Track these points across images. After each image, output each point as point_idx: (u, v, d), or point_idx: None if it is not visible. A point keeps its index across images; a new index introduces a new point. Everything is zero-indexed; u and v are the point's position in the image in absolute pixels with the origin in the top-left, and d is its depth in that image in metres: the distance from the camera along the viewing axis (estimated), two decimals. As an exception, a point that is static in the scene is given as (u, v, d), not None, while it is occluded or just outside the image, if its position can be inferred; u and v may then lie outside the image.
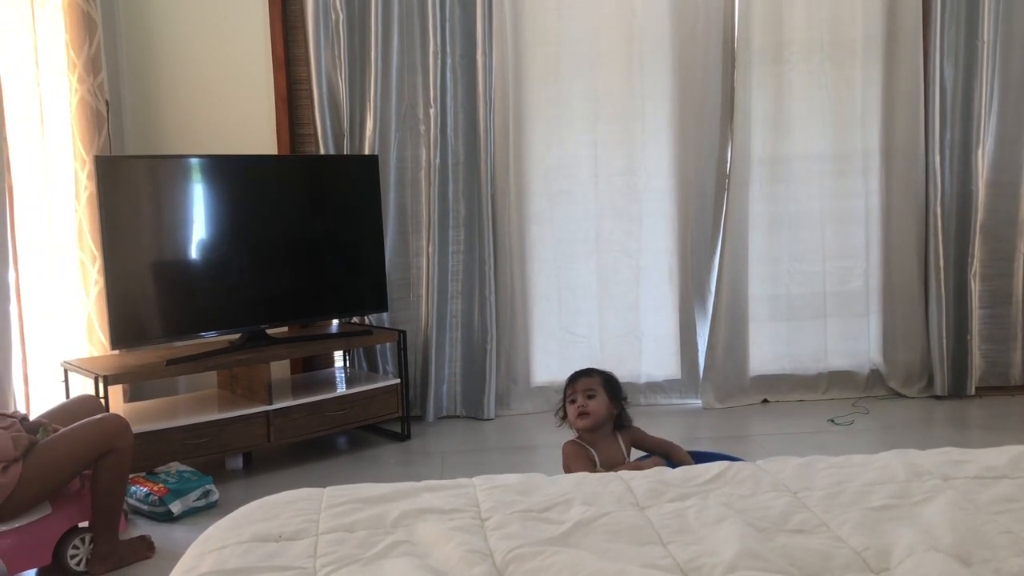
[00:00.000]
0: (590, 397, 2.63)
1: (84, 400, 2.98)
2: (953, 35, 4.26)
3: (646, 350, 4.50)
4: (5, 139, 3.16)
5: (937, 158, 4.31)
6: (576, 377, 2.72)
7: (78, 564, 2.68)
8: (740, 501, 1.48)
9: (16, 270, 3.23)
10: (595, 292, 4.45)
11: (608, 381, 2.72)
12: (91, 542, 2.70)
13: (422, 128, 4.21)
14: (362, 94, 4.15)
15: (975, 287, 4.40)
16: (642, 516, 1.44)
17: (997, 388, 4.47)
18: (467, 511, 1.48)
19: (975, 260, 4.38)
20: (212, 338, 3.73)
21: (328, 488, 1.61)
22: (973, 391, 4.42)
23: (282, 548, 1.35)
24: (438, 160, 4.19)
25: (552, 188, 4.39)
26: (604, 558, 1.24)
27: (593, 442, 2.63)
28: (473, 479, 1.64)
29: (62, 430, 2.64)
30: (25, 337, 3.38)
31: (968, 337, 4.39)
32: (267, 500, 1.56)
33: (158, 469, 3.32)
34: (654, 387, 4.49)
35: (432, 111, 4.17)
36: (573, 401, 2.64)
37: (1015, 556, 1.26)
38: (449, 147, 4.21)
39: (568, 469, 2.55)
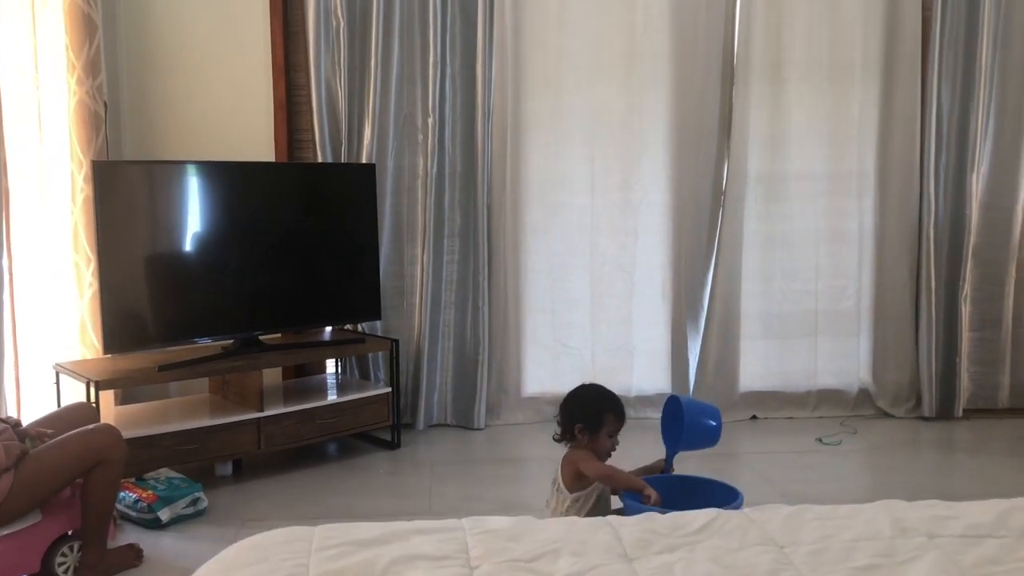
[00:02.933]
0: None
1: (78, 408, 2.98)
2: (951, 59, 4.28)
3: (638, 364, 4.52)
4: (3, 140, 3.15)
5: (932, 181, 4.33)
6: (623, 415, 2.72)
7: (66, 572, 2.68)
8: (727, 556, 1.49)
9: (10, 271, 3.22)
10: (588, 305, 4.46)
11: None
12: (79, 550, 2.70)
13: (420, 137, 4.21)
14: (361, 102, 4.15)
15: (965, 310, 4.42)
16: (630, 569, 1.46)
17: (984, 411, 4.50)
18: (456, 558, 1.49)
19: (966, 283, 4.41)
20: (205, 344, 3.73)
21: (319, 528, 1.62)
22: (961, 413, 4.45)
23: (271, 596, 1.36)
24: (435, 169, 4.20)
25: (548, 200, 4.40)
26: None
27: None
28: (463, 521, 1.65)
29: (53, 440, 2.64)
30: (17, 339, 3.37)
31: (957, 359, 4.42)
32: (257, 540, 1.57)
33: (147, 475, 3.33)
34: (644, 401, 4.50)
35: (431, 120, 4.17)
36: (612, 435, 2.66)
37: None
38: (447, 157, 4.21)
39: (581, 469, 2.57)
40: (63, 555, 2.69)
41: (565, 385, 4.40)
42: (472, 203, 4.24)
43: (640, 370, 4.52)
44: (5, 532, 2.53)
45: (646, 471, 2.78)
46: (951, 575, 1.44)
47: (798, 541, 1.55)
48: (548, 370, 4.47)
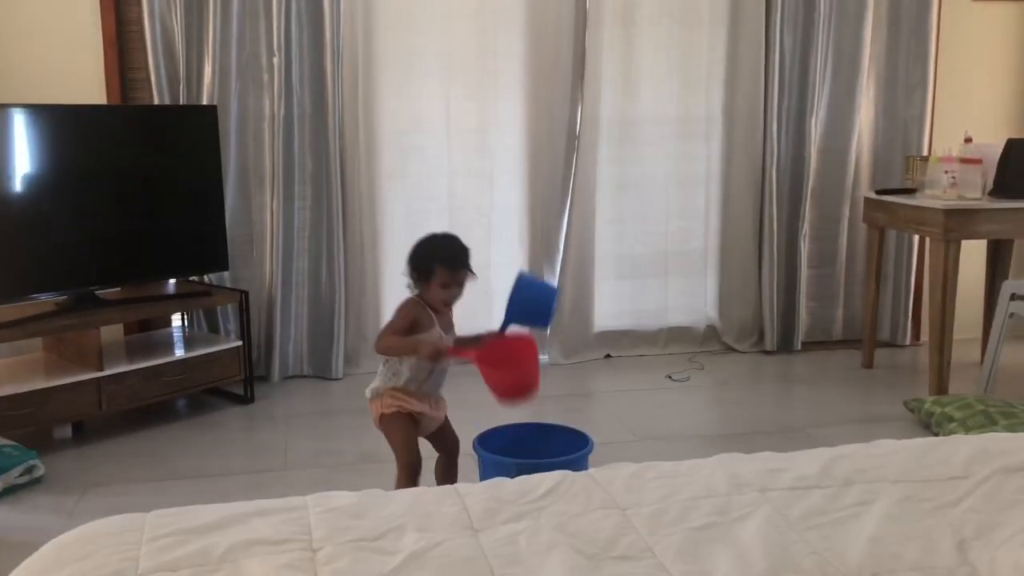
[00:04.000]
0: (459, 285, 2.58)
1: None
2: (793, 5, 4.40)
3: (496, 307, 4.53)
4: None
5: (775, 124, 4.48)
6: (460, 266, 2.58)
7: None
8: (572, 522, 1.51)
9: None
10: (446, 249, 4.42)
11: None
12: None
13: (265, 77, 4.01)
14: (199, 39, 3.91)
15: (804, 248, 4.64)
16: (475, 543, 1.46)
17: (820, 343, 4.78)
18: (298, 541, 1.45)
19: (805, 223, 4.62)
20: (37, 300, 3.50)
21: (151, 514, 1.54)
22: (799, 346, 4.71)
23: (98, 596, 1.29)
24: (283, 112, 4.02)
25: (403, 143, 4.30)
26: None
27: (436, 310, 2.60)
28: (306, 498, 1.60)
29: None
30: None
31: (796, 295, 4.66)
32: (82, 533, 1.47)
33: (-20, 444, 3.12)
34: (502, 343, 4.54)
35: (276, 60, 3.98)
36: (447, 286, 2.55)
37: (819, 582, 1.35)
38: (295, 98, 4.04)
39: (402, 320, 2.53)
40: None
41: (423, 331, 4.44)
42: (323, 147, 4.09)
43: (498, 313, 4.52)
44: None
45: (471, 340, 2.71)
46: (780, 528, 1.51)
47: (640, 502, 1.59)
48: (406, 316, 4.43)
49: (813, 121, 4.51)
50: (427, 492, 1.64)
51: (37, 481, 3.11)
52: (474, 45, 4.29)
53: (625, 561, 1.40)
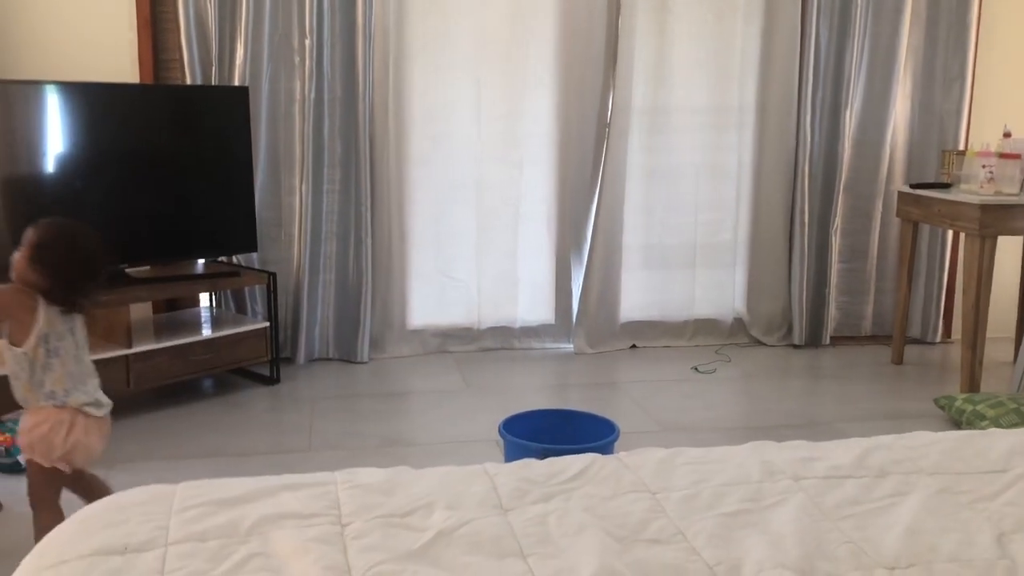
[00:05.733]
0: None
1: None
2: (830, -4, 4.35)
3: (522, 295, 4.53)
4: None
5: (808, 117, 4.42)
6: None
7: None
8: (601, 504, 1.50)
9: None
10: (474, 237, 4.42)
11: (43, 245, 2.14)
12: None
13: (296, 60, 4.01)
14: (232, 21, 3.91)
15: (835, 242, 4.59)
16: (504, 522, 1.45)
17: (849, 338, 4.72)
18: (327, 515, 1.45)
19: (837, 216, 4.56)
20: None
21: (181, 485, 1.54)
22: (828, 340, 4.65)
23: (128, 563, 1.28)
24: (313, 95, 4.02)
25: (433, 130, 4.29)
26: (464, 577, 1.24)
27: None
28: (336, 474, 1.60)
29: None
30: None
31: (826, 290, 4.60)
32: (114, 501, 1.48)
33: (5, 417, 3.15)
34: (529, 332, 4.53)
35: (308, 42, 3.97)
36: None
37: (853, 570, 1.33)
38: (325, 81, 4.04)
39: None
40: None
41: (452, 317, 4.44)
42: (353, 130, 4.09)
43: (525, 301, 4.54)
44: None
45: None
46: (814, 519, 1.48)
47: (670, 487, 1.57)
48: (433, 302, 4.43)
49: (847, 114, 4.45)
50: (456, 471, 1.63)
51: (65, 456, 3.14)
52: (506, 31, 4.27)
53: (656, 544, 1.38)
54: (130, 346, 3.47)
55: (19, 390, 2.21)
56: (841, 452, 1.72)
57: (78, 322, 2.26)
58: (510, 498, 1.51)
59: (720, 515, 1.47)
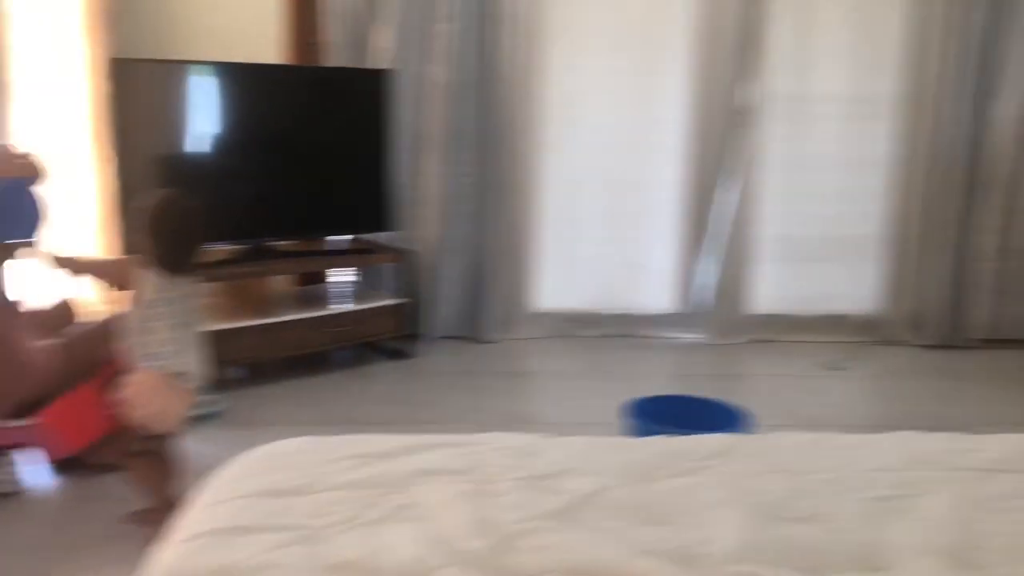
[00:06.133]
0: None
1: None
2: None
3: (649, 282, 4.51)
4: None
5: (956, 107, 4.23)
6: None
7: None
8: (744, 481, 1.50)
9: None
10: (602, 222, 4.43)
11: (152, 215, 2.28)
12: None
13: (437, 44, 4.10)
14: (376, 5, 4.03)
15: (982, 240, 4.37)
16: (646, 491, 1.46)
17: (996, 341, 4.48)
18: (475, 472, 1.50)
19: (986, 213, 4.34)
20: (215, 249, 3.72)
21: (335, 438, 1.62)
22: (971, 342, 4.44)
23: (286, 505, 1.36)
24: (452, 79, 4.10)
25: (567, 115, 4.32)
26: (604, 540, 1.26)
27: None
28: (482, 435, 1.65)
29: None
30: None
31: (969, 289, 4.39)
32: (271, 449, 1.57)
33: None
34: (652, 320, 4.51)
35: (448, 27, 4.06)
36: None
37: (1007, 564, 1.28)
38: (464, 66, 4.11)
39: None
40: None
41: (577, 301, 4.46)
42: (490, 115, 4.15)
43: (651, 289, 4.52)
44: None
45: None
46: (967, 510, 1.44)
47: (814, 469, 1.55)
48: (561, 285, 4.47)
49: (998, 104, 4.22)
50: (597, 440, 1.65)
51: (216, 415, 3.31)
52: (642, 17, 4.25)
53: (801, 523, 1.37)
54: (271, 315, 3.64)
55: (128, 349, 2.33)
56: (996, 445, 1.66)
57: (189, 291, 2.35)
58: (650, 469, 1.53)
59: (867, 499, 1.44)
